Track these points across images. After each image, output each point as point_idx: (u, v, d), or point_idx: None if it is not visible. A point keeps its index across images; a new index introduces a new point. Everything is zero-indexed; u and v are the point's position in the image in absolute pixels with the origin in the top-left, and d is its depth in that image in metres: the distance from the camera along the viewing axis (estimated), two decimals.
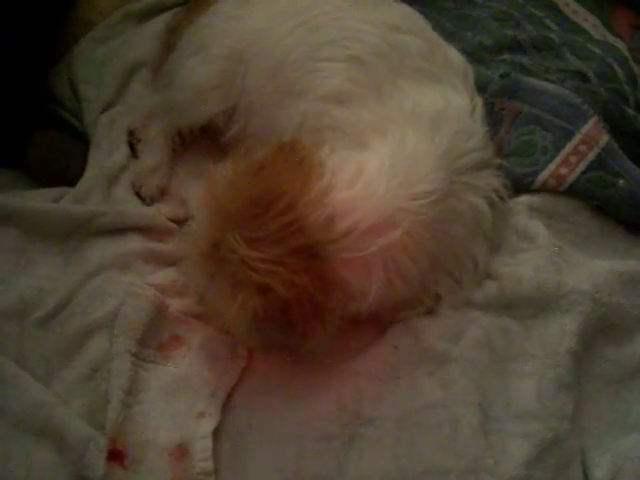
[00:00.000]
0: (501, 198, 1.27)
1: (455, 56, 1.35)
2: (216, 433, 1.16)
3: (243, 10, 1.46)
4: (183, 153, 1.60)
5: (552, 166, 1.34)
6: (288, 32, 1.35)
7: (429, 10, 1.69)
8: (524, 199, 1.34)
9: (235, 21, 1.45)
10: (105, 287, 1.31)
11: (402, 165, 1.13)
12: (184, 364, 1.24)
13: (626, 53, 1.61)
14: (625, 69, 1.56)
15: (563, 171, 1.34)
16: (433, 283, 1.23)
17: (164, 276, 1.36)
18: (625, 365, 1.23)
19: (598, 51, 1.58)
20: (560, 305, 1.22)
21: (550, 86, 1.44)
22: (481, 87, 1.43)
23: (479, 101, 1.31)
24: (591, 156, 1.35)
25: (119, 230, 1.41)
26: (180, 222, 1.49)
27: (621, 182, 1.34)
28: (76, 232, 1.40)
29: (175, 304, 1.31)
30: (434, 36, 1.37)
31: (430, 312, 1.25)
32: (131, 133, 1.58)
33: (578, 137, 1.37)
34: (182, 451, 1.13)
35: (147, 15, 1.79)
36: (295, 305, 1.03)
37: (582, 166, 1.34)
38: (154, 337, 1.25)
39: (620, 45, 1.64)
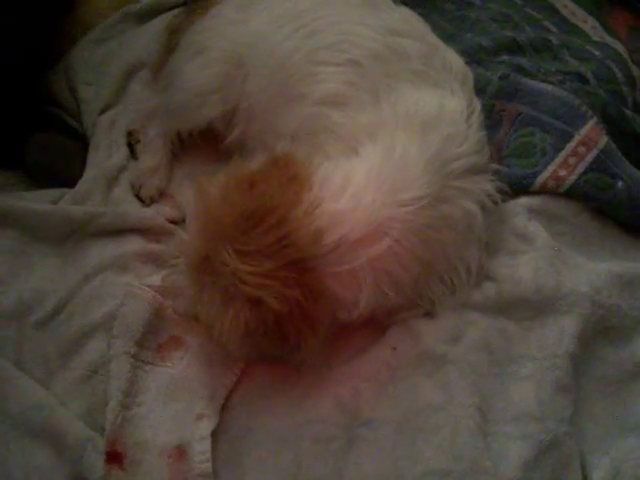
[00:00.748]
0: (495, 203, 1.26)
1: (454, 60, 1.34)
2: (214, 435, 1.16)
3: (243, 13, 1.45)
4: (182, 155, 1.60)
5: (551, 168, 1.34)
6: (287, 36, 1.35)
7: (429, 12, 1.69)
8: (523, 201, 1.34)
9: (235, 24, 1.44)
10: (104, 288, 1.31)
11: (390, 172, 1.13)
12: (182, 366, 1.24)
13: (624, 54, 1.61)
14: (623, 70, 1.56)
15: (562, 173, 1.34)
16: (426, 288, 1.22)
17: (164, 277, 1.36)
18: (624, 367, 1.24)
19: (597, 52, 1.58)
20: (559, 307, 1.23)
21: (549, 88, 1.44)
22: (480, 89, 1.43)
23: (477, 105, 1.30)
24: (590, 158, 1.35)
25: (118, 231, 1.41)
26: (179, 223, 1.49)
27: (620, 184, 1.34)
28: (75, 233, 1.40)
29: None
30: (434, 39, 1.36)
31: (429, 314, 1.25)
32: (130, 134, 1.58)
33: (577, 139, 1.37)
34: (181, 453, 1.13)
35: (146, 16, 1.79)
36: (287, 318, 1.04)
37: (581, 168, 1.35)
38: (153, 338, 1.25)
39: (618, 46, 1.64)
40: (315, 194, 1.08)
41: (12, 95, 1.53)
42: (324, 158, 1.17)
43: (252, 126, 1.41)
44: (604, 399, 1.22)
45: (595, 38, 1.66)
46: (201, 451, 1.13)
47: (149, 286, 1.30)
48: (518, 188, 1.35)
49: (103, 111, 1.62)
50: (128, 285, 1.29)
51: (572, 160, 1.35)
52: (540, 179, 1.34)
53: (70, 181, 1.50)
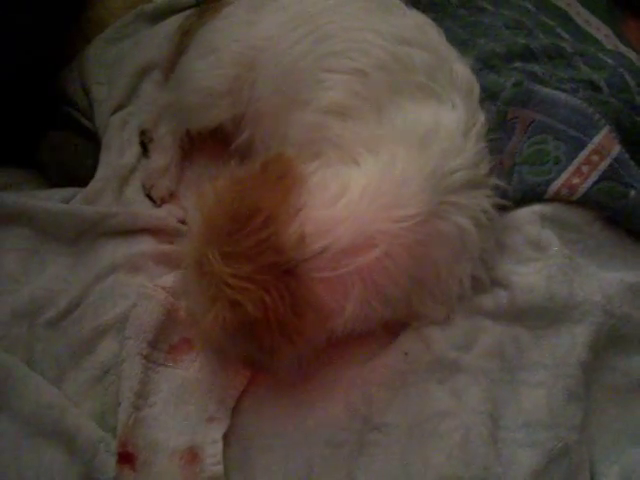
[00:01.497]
0: (490, 220, 1.23)
1: (461, 71, 1.31)
2: (225, 438, 1.16)
3: (255, 15, 1.45)
4: (192, 156, 1.60)
5: (564, 175, 1.34)
6: (297, 40, 1.34)
7: (442, 17, 1.69)
8: (536, 208, 1.33)
9: (246, 26, 1.44)
10: (116, 288, 1.32)
11: (388, 187, 1.11)
12: (194, 368, 1.24)
13: (638, 63, 1.61)
14: (637, 79, 1.55)
15: (575, 181, 1.34)
16: (417, 304, 1.22)
17: (175, 278, 1.36)
18: (635, 376, 1.24)
19: (610, 61, 1.58)
20: (571, 316, 1.23)
21: (563, 95, 1.44)
22: (493, 95, 1.44)
23: (480, 117, 1.28)
24: (603, 166, 1.35)
25: (130, 231, 1.41)
26: None
27: (632, 193, 1.34)
28: (87, 233, 1.40)
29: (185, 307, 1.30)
30: (444, 48, 1.35)
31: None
32: (143, 133, 1.59)
33: (590, 147, 1.37)
34: (192, 455, 1.13)
35: (159, 16, 1.79)
36: (262, 323, 1.03)
37: (594, 176, 1.34)
38: (165, 340, 1.25)
39: (632, 55, 1.64)
40: (305, 198, 1.08)
41: (26, 94, 1.53)
42: (323, 164, 1.16)
43: (259, 130, 1.42)
44: (614, 408, 1.22)
45: (609, 46, 1.66)
46: (212, 454, 1.14)
47: (162, 287, 1.30)
48: (531, 196, 1.34)
49: (115, 111, 1.62)
50: (141, 286, 1.29)
51: (585, 168, 1.35)
52: (553, 187, 1.33)
53: (82, 180, 1.50)
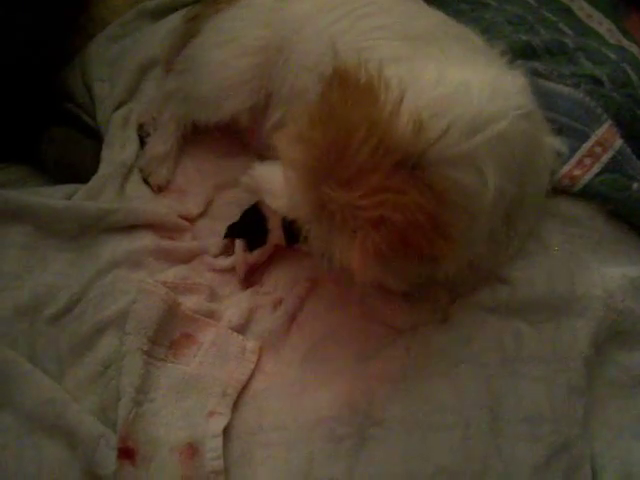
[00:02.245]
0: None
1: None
2: (226, 432, 1.17)
3: (282, 2, 1.41)
4: (194, 148, 1.59)
5: (567, 167, 1.33)
6: (335, 20, 1.31)
7: (445, 12, 1.68)
8: None
9: (274, 12, 1.40)
10: (117, 284, 1.32)
11: (493, 80, 1.06)
12: (195, 363, 1.24)
13: None
14: (639, 74, 1.55)
15: (577, 172, 1.33)
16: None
17: (175, 273, 1.37)
18: (636, 371, 1.23)
19: (612, 55, 1.57)
20: (573, 310, 1.22)
21: (565, 90, 1.43)
22: None
23: None
24: (605, 158, 1.35)
25: (131, 227, 1.42)
26: (191, 219, 1.49)
27: (635, 185, 1.33)
28: (88, 229, 1.41)
29: (186, 302, 1.31)
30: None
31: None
32: (141, 127, 1.58)
33: (593, 139, 1.36)
34: (192, 450, 1.14)
35: (161, 13, 1.78)
36: (414, 227, 0.94)
37: (596, 168, 1.34)
38: (166, 335, 1.25)
39: (635, 50, 1.62)
40: (398, 90, 0.97)
41: (28, 91, 1.54)
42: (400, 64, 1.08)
43: (296, 105, 1.32)
44: (616, 403, 1.21)
45: (611, 41, 1.65)
46: (213, 448, 1.14)
47: (162, 282, 1.31)
48: None
49: (117, 108, 1.61)
50: (141, 281, 1.29)
51: (588, 160, 1.34)
52: (555, 178, 1.33)
53: (84, 177, 1.50)
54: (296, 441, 1.16)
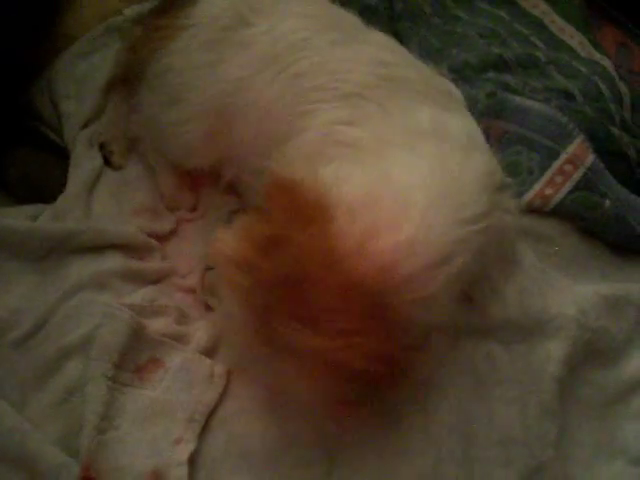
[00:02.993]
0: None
1: (450, 85, 1.27)
2: (192, 460, 1.13)
3: (214, 54, 1.31)
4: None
5: (537, 186, 1.33)
6: (269, 80, 1.23)
7: (416, 25, 1.67)
8: None
9: (208, 68, 1.31)
10: (81, 308, 1.28)
11: (448, 186, 1.03)
12: (162, 387, 1.21)
13: (612, 72, 1.60)
14: (611, 88, 1.54)
15: (548, 191, 1.32)
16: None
17: (143, 295, 1.34)
18: (610, 390, 1.22)
19: (584, 69, 1.57)
20: (545, 330, 1.21)
21: (536, 105, 1.42)
22: (467, 107, 1.41)
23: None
24: (577, 176, 1.34)
25: (98, 248, 1.38)
26: (160, 238, 1.47)
27: (607, 203, 1.33)
28: (54, 250, 1.36)
29: (153, 325, 1.28)
30: (425, 68, 1.27)
31: None
32: (102, 146, 1.55)
33: (564, 157, 1.35)
34: (157, 478, 1.10)
35: (129, 29, 1.75)
36: (373, 374, 0.94)
37: (568, 186, 1.33)
38: (131, 360, 1.22)
39: (606, 63, 1.62)
40: (358, 224, 0.94)
41: None
42: (350, 166, 1.06)
43: (246, 168, 1.33)
44: (590, 423, 1.20)
45: (583, 54, 1.64)
46: (178, 476, 1.10)
47: (129, 305, 1.27)
48: None
49: (84, 126, 1.58)
50: (106, 305, 1.26)
51: (559, 179, 1.33)
52: (526, 198, 1.32)
53: (51, 196, 1.47)
54: (263, 468, 1.13)
